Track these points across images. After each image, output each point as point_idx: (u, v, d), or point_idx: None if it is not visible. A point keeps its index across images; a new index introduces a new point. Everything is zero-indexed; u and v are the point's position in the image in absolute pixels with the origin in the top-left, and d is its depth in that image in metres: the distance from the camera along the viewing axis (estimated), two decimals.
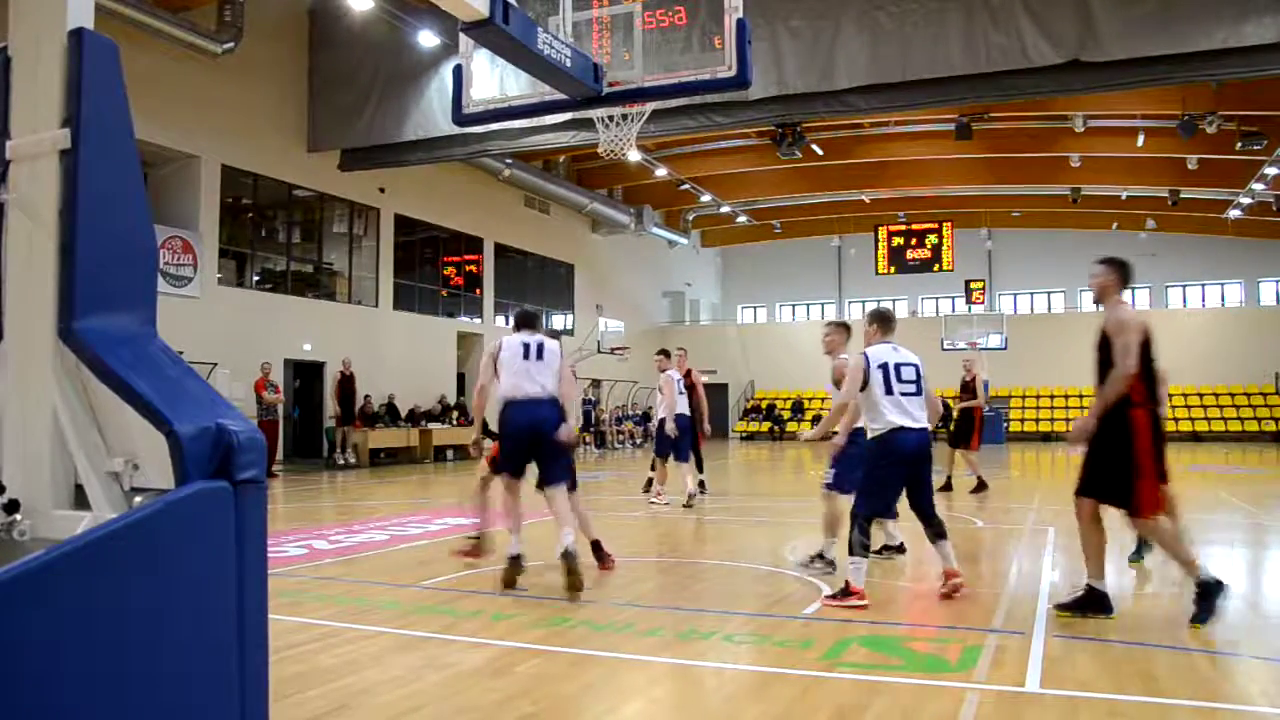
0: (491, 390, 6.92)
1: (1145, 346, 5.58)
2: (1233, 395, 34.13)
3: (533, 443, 6.77)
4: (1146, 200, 33.19)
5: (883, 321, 6.75)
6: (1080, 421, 5.81)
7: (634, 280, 37.10)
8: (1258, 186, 27.90)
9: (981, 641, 5.17)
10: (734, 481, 17.00)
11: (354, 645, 5.12)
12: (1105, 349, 5.66)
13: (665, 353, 12.91)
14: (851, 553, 6.13)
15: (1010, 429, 33.57)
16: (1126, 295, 5.97)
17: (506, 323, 29.36)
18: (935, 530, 6.48)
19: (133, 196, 2.93)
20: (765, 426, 36.87)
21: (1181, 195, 30.89)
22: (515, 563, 6.72)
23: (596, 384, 31.38)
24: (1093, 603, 5.65)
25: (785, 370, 37.68)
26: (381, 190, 23.57)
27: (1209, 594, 5.43)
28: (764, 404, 38.21)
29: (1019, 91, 15.69)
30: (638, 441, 31.55)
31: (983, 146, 27.79)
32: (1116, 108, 24.74)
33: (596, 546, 7.41)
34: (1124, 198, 33.22)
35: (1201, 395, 34.10)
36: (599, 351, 28.90)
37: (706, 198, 33.36)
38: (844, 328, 7.83)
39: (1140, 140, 26.14)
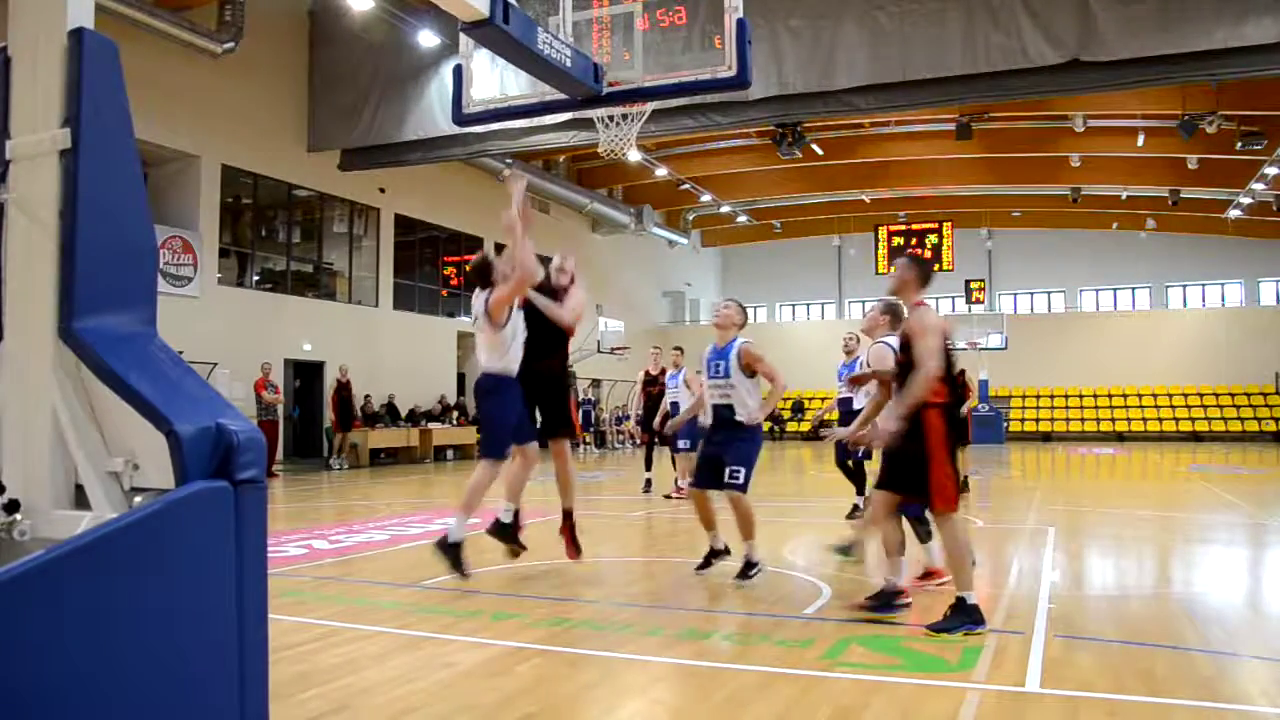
0: None
1: (946, 349, 5.67)
2: (1233, 395, 34.14)
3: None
4: (1147, 200, 33.21)
5: (894, 315, 6.64)
6: (884, 425, 5.79)
7: (634, 280, 37.12)
8: (1258, 186, 27.92)
9: (981, 641, 5.17)
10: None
11: (354, 645, 5.12)
12: (907, 351, 5.68)
13: (680, 349, 13.03)
14: (923, 541, 6.50)
15: (1010, 429, 33.57)
16: (928, 296, 6.04)
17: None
18: (926, 529, 6.47)
19: (133, 196, 2.93)
20: (766, 426, 36.96)
21: (1181, 195, 30.92)
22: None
23: (596, 384, 31.38)
24: (963, 612, 5.39)
25: (785, 370, 37.37)
26: (381, 190, 23.58)
27: (962, 609, 5.35)
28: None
29: (1019, 91, 15.69)
30: (638, 442, 31.52)
31: (983, 146, 27.81)
32: (1116, 108, 24.76)
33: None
34: (1124, 198, 33.25)
35: (1201, 395, 34.13)
36: (599, 351, 28.93)
37: (706, 197, 33.41)
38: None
39: (1140, 140, 26.17)
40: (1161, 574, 7.81)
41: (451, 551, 6.66)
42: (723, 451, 6.82)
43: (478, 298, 7.03)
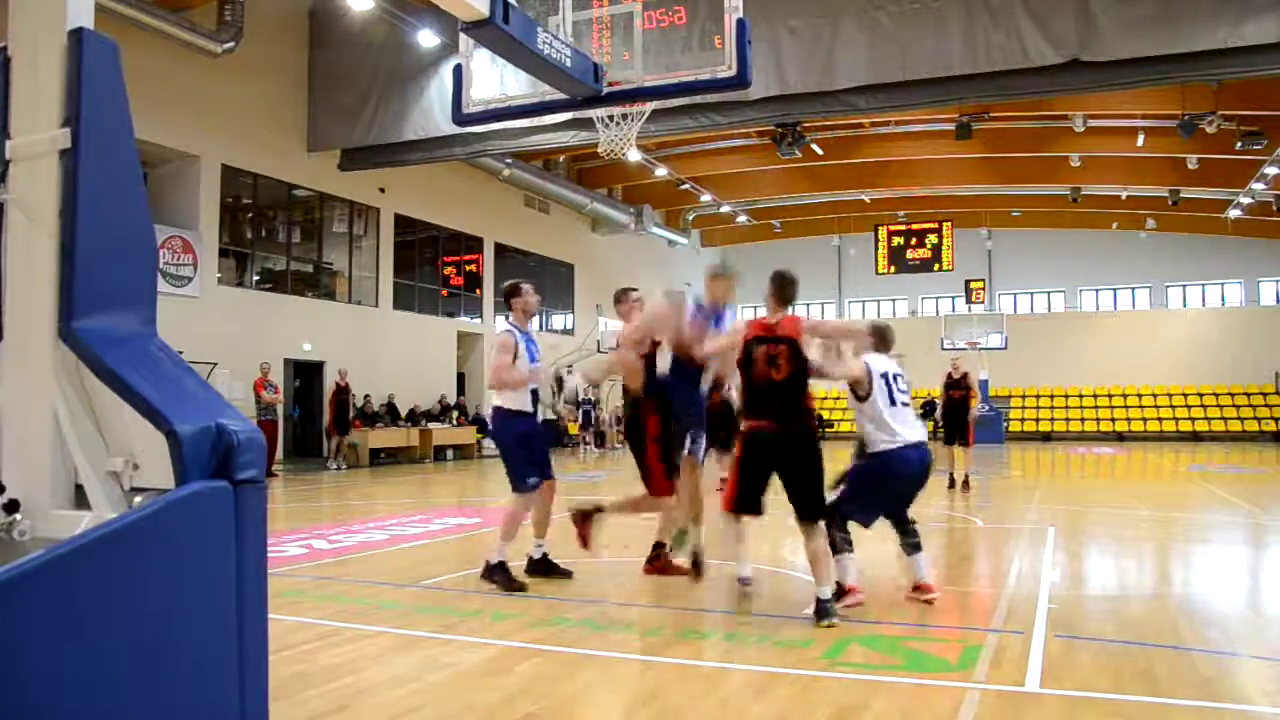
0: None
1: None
2: (1232, 395, 34.15)
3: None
4: (1146, 200, 33.19)
5: (880, 338, 6.43)
6: None
7: (634, 280, 36.65)
8: (1258, 186, 27.90)
9: (981, 641, 5.17)
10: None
11: (354, 645, 5.12)
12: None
13: None
14: (837, 551, 5.86)
15: (1010, 428, 33.58)
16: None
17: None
18: (912, 541, 6.21)
19: (133, 196, 2.93)
20: None
21: (1181, 195, 30.89)
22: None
23: (596, 384, 31.39)
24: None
25: None
26: (381, 190, 23.58)
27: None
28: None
29: (1019, 91, 15.69)
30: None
31: (983, 146, 27.78)
32: (1116, 107, 24.73)
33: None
34: (1124, 197, 33.22)
35: (1201, 395, 34.15)
36: (599, 351, 28.92)
37: (706, 197, 33.40)
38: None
39: (1140, 140, 26.14)
40: (1161, 574, 7.81)
41: (498, 573, 6.64)
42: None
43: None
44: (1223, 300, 38.06)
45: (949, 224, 33.32)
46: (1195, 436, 32.73)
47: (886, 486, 6.07)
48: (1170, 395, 35.17)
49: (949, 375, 14.81)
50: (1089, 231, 37.45)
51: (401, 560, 7.98)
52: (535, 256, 30.84)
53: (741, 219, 37.12)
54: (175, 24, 16.42)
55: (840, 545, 5.90)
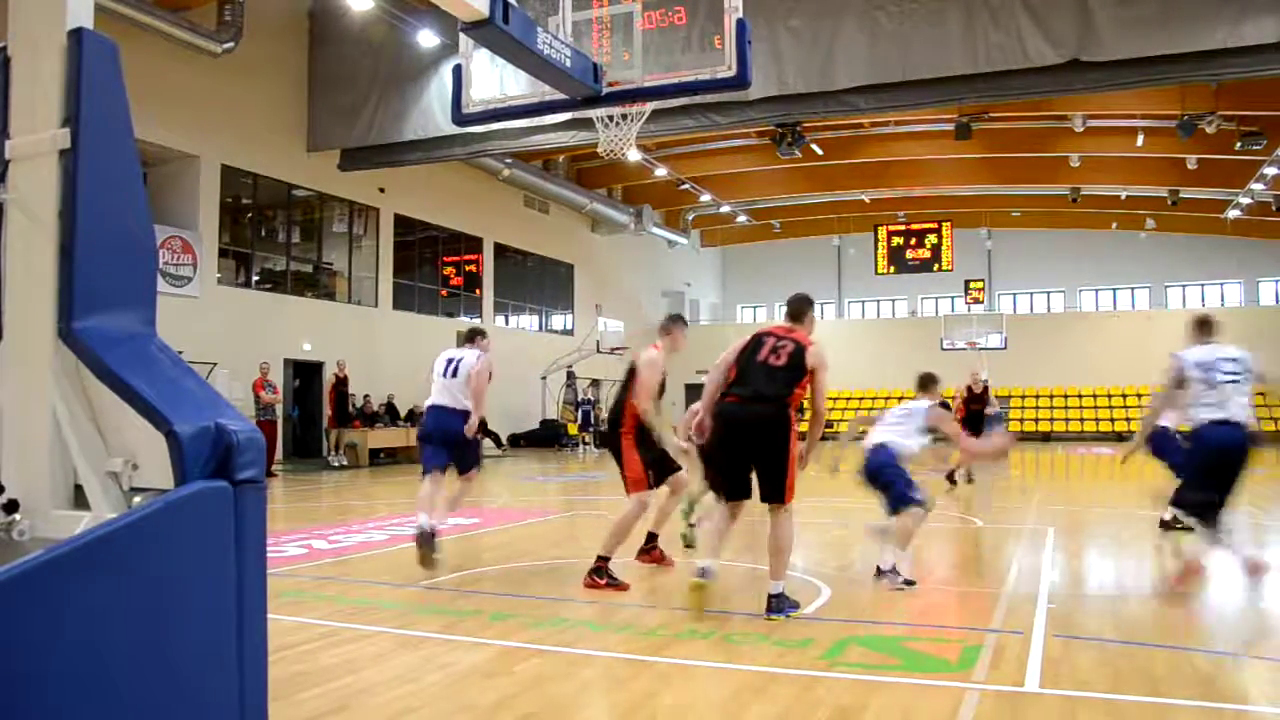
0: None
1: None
2: None
3: (444, 442, 7.73)
4: (1146, 200, 33.20)
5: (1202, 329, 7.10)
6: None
7: (633, 280, 37.13)
8: (1257, 186, 27.91)
9: (981, 641, 5.17)
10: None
11: (353, 645, 5.12)
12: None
13: None
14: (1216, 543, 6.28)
15: (1009, 429, 33.56)
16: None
17: (507, 323, 29.42)
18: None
19: (132, 196, 2.93)
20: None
21: (1181, 195, 30.91)
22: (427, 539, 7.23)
23: (595, 384, 31.38)
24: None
25: None
26: (381, 190, 23.59)
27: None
28: None
29: (1019, 91, 15.68)
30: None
31: (982, 146, 27.79)
32: (1116, 107, 24.73)
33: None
34: (1123, 198, 33.25)
35: None
36: (598, 351, 28.94)
37: (706, 197, 33.41)
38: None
39: (1140, 140, 26.15)
40: (1160, 574, 7.81)
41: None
42: None
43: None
44: (1222, 300, 38.09)
45: (949, 224, 33.35)
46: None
47: (1205, 463, 6.38)
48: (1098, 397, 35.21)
49: (969, 389, 14.99)
50: (1088, 231, 37.47)
51: (401, 560, 7.97)
52: (535, 257, 30.87)
53: (741, 219, 37.13)
54: (175, 24, 16.43)
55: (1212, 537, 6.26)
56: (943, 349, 32.11)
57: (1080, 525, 10.56)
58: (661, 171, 29.80)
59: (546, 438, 28.49)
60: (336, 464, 20.09)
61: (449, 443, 7.75)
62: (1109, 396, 35.78)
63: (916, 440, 7.35)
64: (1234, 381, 6.30)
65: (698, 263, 42.39)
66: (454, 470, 7.89)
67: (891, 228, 33.94)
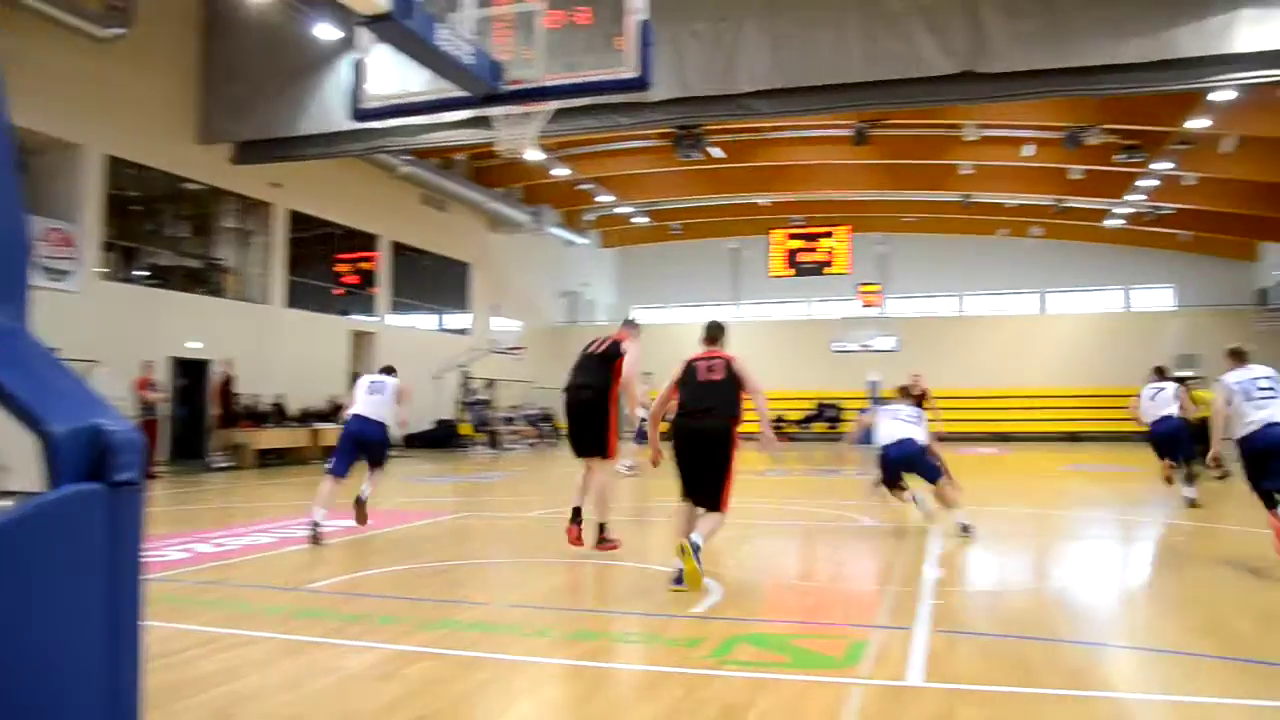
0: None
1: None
2: (1109, 397, 35.44)
3: (359, 444, 9.49)
4: (1033, 208, 34.30)
5: (1236, 358, 8.25)
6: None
7: (531, 280, 37.01)
8: (1134, 197, 29.12)
9: (866, 637, 5.30)
10: (629, 482, 17.06)
11: (236, 651, 5.02)
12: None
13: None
14: None
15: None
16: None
17: (402, 321, 29.03)
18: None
19: (4, 185, 2.83)
20: (663, 426, 36.95)
21: (1065, 204, 32.04)
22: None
23: (492, 384, 31.16)
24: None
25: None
26: (275, 185, 23.07)
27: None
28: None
29: (914, 99, 16.06)
30: (531, 442, 31.38)
31: (879, 152, 28.43)
32: (1006, 118, 25.54)
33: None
34: (1011, 205, 34.28)
35: (1080, 397, 35.26)
36: (495, 351, 28.77)
37: (606, 198, 33.47)
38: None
39: (1028, 150, 26.98)
40: (1038, 569, 8.09)
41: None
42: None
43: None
44: (1101, 306, 39.55)
45: (844, 228, 33.96)
46: (1074, 437, 33.86)
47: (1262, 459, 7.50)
48: (1051, 397, 36.31)
49: (904, 389, 15.28)
50: (978, 238, 38.58)
51: (288, 564, 7.83)
52: (432, 255, 30.52)
53: (640, 220, 37.27)
54: (59, 6, 15.81)
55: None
56: (833, 351, 32.68)
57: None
58: (562, 171, 29.77)
59: (441, 438, 28.17)
60: (220, 465, 19.55)
61: (365, 445, 9.50)
62: (995, 398, 36.84)
63: (926, 435, 9.69)
64: (1270, 396, 7.60)
65: (596, 263, 42.44)
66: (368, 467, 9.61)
67: (788, 231, 34.43)
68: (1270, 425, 7.55)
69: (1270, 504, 7.45)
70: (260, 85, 18.79)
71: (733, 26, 15.33)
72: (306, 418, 22.74)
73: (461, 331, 32.00)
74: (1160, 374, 13.18)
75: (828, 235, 33.92)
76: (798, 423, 35.53)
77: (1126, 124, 23.64)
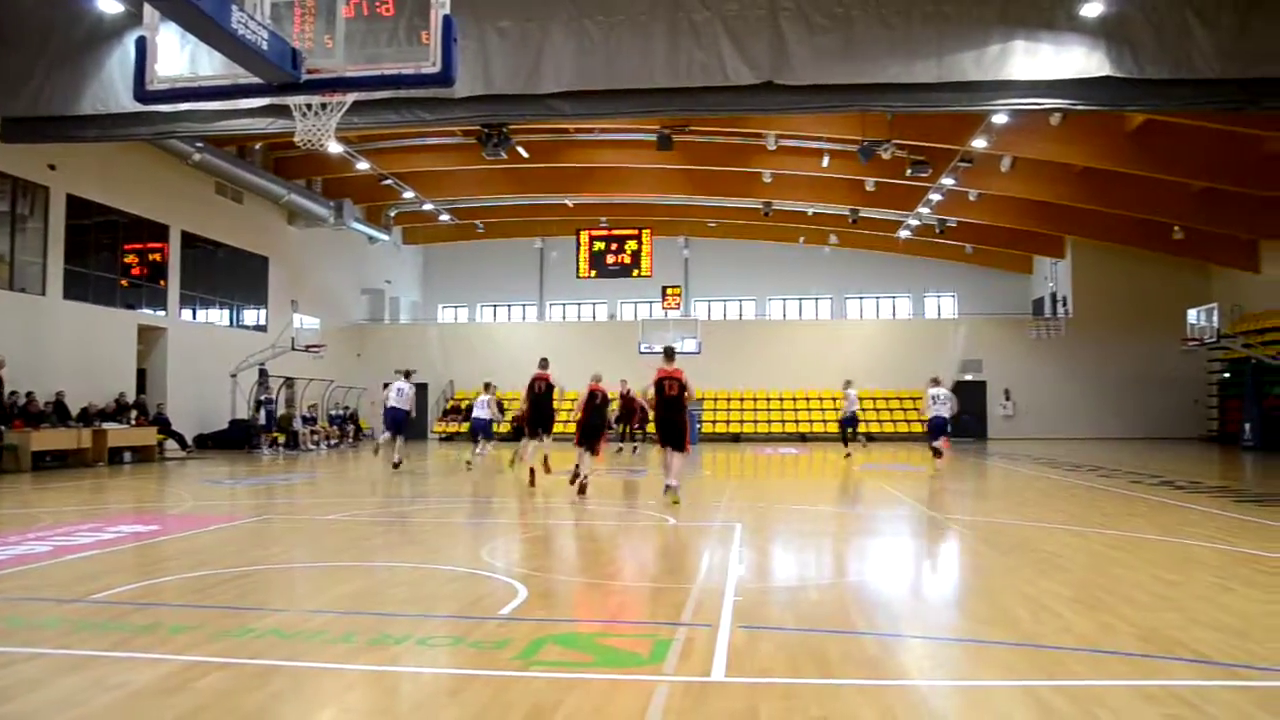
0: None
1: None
2: (901, 399, 37.25)
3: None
4: (830, 217, 35.68)
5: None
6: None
7: (332, 276, 35.96)
8: (923, 210, 30.69)
9: (672, 635, 5.37)
10: (433, 483, 16.82)
11: (9, 669, 4.67)
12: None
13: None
14: None
15: (702, 430, 35.05)
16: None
17: (194, 317, 27.74)
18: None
19: None
20: (465, 427, 36.53)
21: (860, 214, 33.45)
22: None
23: (290, 382, 30.12)
24: None
25: (486, 371, 37.54)
26: (52, 167, 21.59)
27: None
28: (464, 404, 37.83)
29: (717, 108, 16.40)
30: (333, 442, 30.52)
31: (683, 158, 28.97)
32: (805, 129, 26.51)
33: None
34: (810, 214, 35.56)
35: (875, 399, 36.87)
36: (293, 349, 27.83)
37: (409, 194, 32.84)
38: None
39: (825, 161, 28.00)
40: (837, 565, 8.40)
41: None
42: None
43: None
44: (894, 312, 41.55)
45: (648, 231, 34.49)
46: (870, 437, 35.33)
47: None
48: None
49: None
50: (779, 244, 39.86)
51: (67, 574, 7.35)
52: (227, 248, 29.20)
53: (444, 218, 36.77)
54: None
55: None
56: (640, 352, 33.07)
57: (766, 522, 11.17)
58: (364, 165, 29.01)
59: (236, 438, 27.02)
60: None
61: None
62: (794, 400, 38.14)
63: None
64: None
65: (399, 260, 41.62)
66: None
67: (594, 232, 34.69)
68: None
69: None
70: (33, 56, 17.41)
71: (539, 27, 15.31)
72: (90, 417, 21.37)
73: (259, 328, 30.79)
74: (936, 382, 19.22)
75: (633, 238, 34.35)
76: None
77: (916, 140, 24.88)
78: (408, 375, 20.10)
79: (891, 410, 37.22)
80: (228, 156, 26.53)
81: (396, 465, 18.94)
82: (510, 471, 18.88)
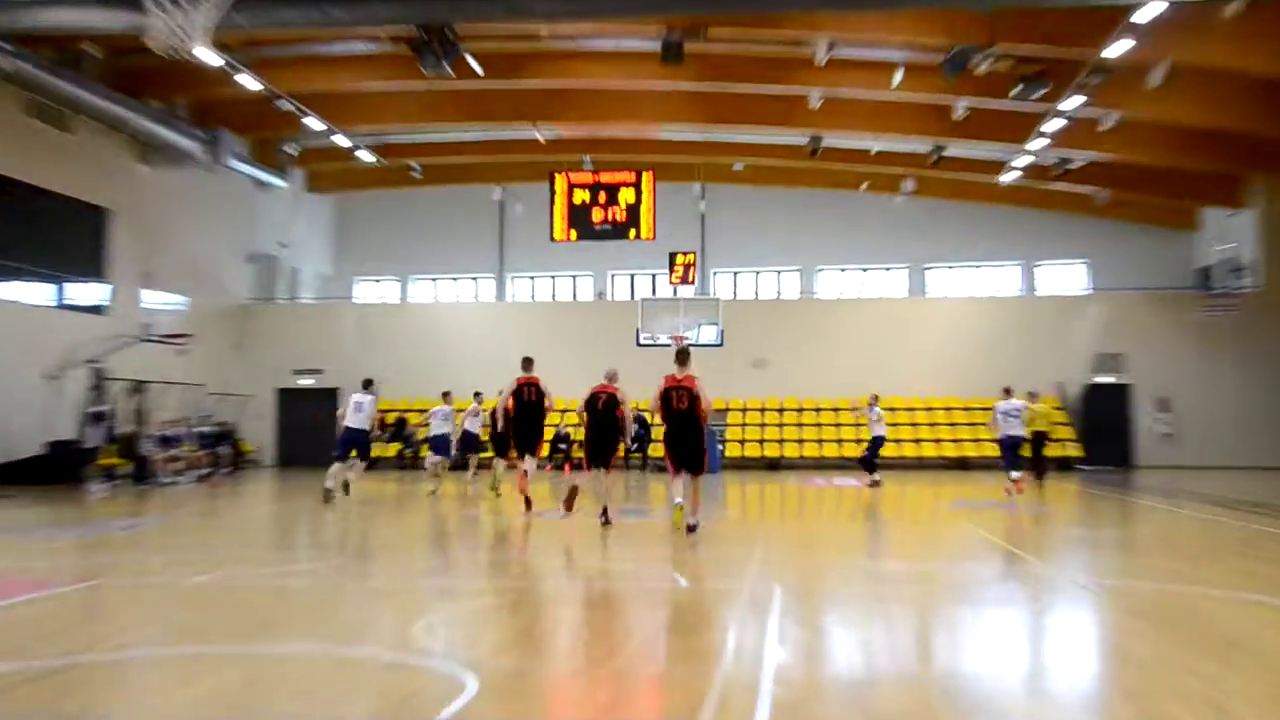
0: None
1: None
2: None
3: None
4: (904, 156, 35.57)
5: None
6: None
7: (203, 237, 35.78)
8: (1037, 144, 30.47)
9: None
10: (345, 531, 16.69)
11: None
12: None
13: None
14: None
15: (726, 453, 34.80)
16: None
17: None
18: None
19: None
20: (393, 449, 36.46)
21: (946, 151, 33.29)
22: None
23: (140, 387, 29.82)
24: None
25: (426, 369, 37.42)
26: None
27: None
28: (390, 417, 37.64)
29: (746, 1, 16.21)
30: (203, 472, 30.15)
31: (697, 74, 28.82)
32: (867, 31, 26.23)
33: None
34: (875, 152, 35.37)
35: (970, 410, 36.42)
36: (146, 339, 27.58)
37: (316, 124, 32.69)
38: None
39: (897, 78, 27.81)
40: (919, 647, 8.22)
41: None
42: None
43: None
44: (995, 287, 41.21)
45: (650, 176, 34.15)
46: (963, 464, 35.12)
47: None
48: (930, 410, 37.46)
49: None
50: (830, 194, 39.79)
51: None
52: (49, 195, 28.85)
53: (366, 157, 36.67)
54: None
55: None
56: (639, 344, 32.74)
57: (816, 583, 11.00)
58: (250, 82, 28.79)
59: (55, 469, 26.51)
60: None
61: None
62: (853, 410, 37.75)
63: None
64: None
65: (300, 216, 41.51)
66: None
67: (574, 178, 34.42)
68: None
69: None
70: None
71: None
72: None
73: (94, 309, 30.53)
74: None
75: (628, 185, 34.03)
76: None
77: (1027, 46, 24.69)
78: (368, 386, 21.68)
79: (955, 425, 36.84)
80: (48, 65, 26.22)
81: (328, 497, 20.16)
82: (493, 497, 19.26)
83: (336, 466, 20.51)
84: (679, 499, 14.48)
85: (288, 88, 30.28)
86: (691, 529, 14.20)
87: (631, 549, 13.82)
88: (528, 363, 17.68)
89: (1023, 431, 22.25)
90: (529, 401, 17.46)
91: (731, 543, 14.56)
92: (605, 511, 15.37)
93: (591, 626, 8.98)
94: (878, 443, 25.44)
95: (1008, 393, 22.63)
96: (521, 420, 17.54)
